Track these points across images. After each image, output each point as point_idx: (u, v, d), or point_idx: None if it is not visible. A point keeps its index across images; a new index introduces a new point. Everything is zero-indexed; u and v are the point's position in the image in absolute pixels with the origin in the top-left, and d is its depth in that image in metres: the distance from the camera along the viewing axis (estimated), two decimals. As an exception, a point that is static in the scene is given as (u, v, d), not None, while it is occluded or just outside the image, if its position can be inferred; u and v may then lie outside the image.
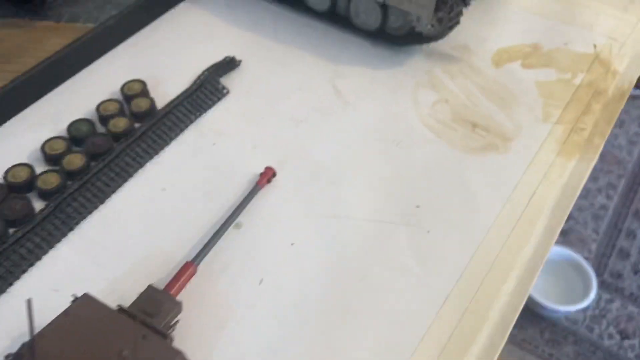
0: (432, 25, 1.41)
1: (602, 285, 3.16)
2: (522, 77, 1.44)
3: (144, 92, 1.37)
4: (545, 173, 1.23)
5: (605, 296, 3.13)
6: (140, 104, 1.33)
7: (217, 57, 1.48)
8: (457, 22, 1.45)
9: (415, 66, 1.47)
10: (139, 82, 1.38)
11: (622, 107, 1.38)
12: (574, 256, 3.03)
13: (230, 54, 1.49)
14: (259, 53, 1.51)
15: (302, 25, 1.60)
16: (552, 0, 1.67)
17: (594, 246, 3.37)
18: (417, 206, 1.18)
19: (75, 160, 1.22)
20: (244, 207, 1.15)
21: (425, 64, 1.48)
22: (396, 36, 1.51)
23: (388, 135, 1.31)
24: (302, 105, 1.38)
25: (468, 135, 1.30)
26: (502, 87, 1.41)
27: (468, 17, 1.57)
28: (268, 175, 1.21)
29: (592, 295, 2.90)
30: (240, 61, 1.48)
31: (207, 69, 1.44)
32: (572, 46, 1.52)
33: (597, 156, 1.28)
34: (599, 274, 3.19)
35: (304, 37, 1.56)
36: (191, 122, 1.34)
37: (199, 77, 1.42)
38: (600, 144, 1.30)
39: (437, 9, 1.37)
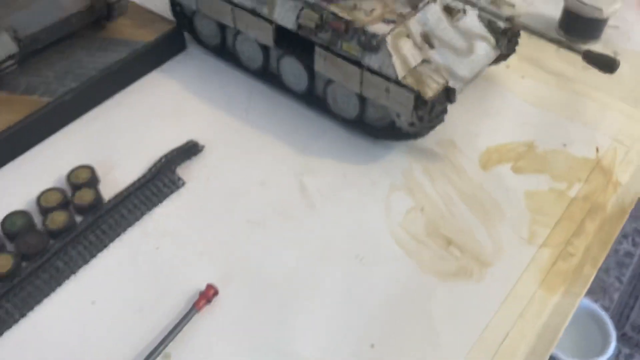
0: (412, 124, 1.28)
1: (622, 338, 2.94)
2: (510, 184, 1.29)
3: (91, 182, 1.25)
4: (523, 310, 1.08)
5: (625, 351, 2.91)
6: (85, 197, 1.22)
7: (180, 139, 1.36)
8: (441, 121, 1.31)
9: (393, 163, 1.34)
10: (87, 169, 1.27)
11: (620, 227, 1.23)
12: (592, 306, 2.81)
13: (195, 135, 1.38)
14: (226, 135, 1.39)
15: (277, 103, 1.48)
16: (554, 89, 1.52)
17: (616, 295, 3.16)
18: (372, 345, 1.04)
19: (3, 262, 1.11)
20: (175, 335, 1.03)
21: (405, 160, 1.34)
22: (375, 127, 1.37)
23: (352, 248, 1.18)
24: (263, 205, 1.25)
25: (441, 254, 1.16)
26: (487, 195, 1.27)
27: (459, 104, 1.43)
28: (208, 295, 1.08)
29: (611, 349, 2.69)
30: (202, 147, 1.36)
31: (166, 155, 1.32)
32: (572, 148, 1.37)
33: (584, 290, 1.12)
34: (619, 326, 2.97)
35: (277, 119, 1.43)
36: (137, 219, 1.22)
37: (154, 165, 1.30)
38: (590, 275, 1.14)
39: (416, 107, 1.23)
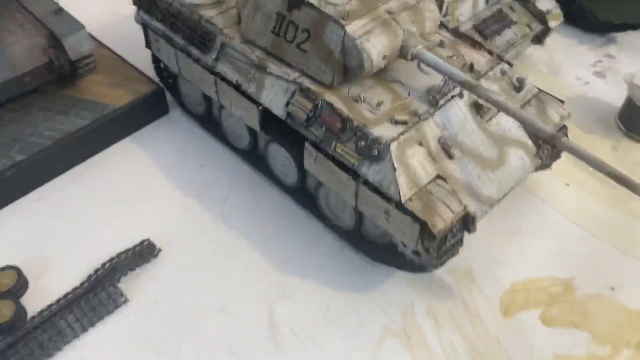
0: (417, 253, 1.00)
1: None
2: (537, 342, 1.00)
3: (15, 290, 1.02)
4: None
5: None
6: (1, 312, 0.99)
7: (136, 235, 1.12)
8: (454, 254, 1.03)
9: (390, 295, 1.06)
10: (13, 272, 1.04)
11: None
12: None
13: (154, 231, 1.13)
14: (191, 235, 1.14)
15: (262, 195, 1.22)
16: (606, 206, 1.22)
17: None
18: None
19: None
20: None
21: (406, 293, 1.07)
22: (374, 245, 1.10)
23: (321, 419, 0.91)
24: (218, 341, 0.99)
25: None
26: (505, 356, 0.98)
27: (482, 222, 1.14)
28: None
29: None
30: (159, 251, 1.11)
31: (112, 259, 1.08)
32: (622, 294, 1.07)
33: None
34: None
35: (258, 216, 1.18)
36: (59, 349, 0.97)
37: (95, 273, 1.06)
38: None
39: (422, 236, 0.96)
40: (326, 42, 1.03)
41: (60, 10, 1.23)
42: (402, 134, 0.98)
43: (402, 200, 0.94)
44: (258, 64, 1.10)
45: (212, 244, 1.13)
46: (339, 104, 1.02)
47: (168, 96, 1.38)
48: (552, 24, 1.45)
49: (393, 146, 0.96)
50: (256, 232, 1.15)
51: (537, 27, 1.44)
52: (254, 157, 1.26)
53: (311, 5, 1.02)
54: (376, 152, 0.96)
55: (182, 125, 1.36)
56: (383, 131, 0.98)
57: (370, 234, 1.10)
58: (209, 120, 1.33)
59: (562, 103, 1.15)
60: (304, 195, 1.19)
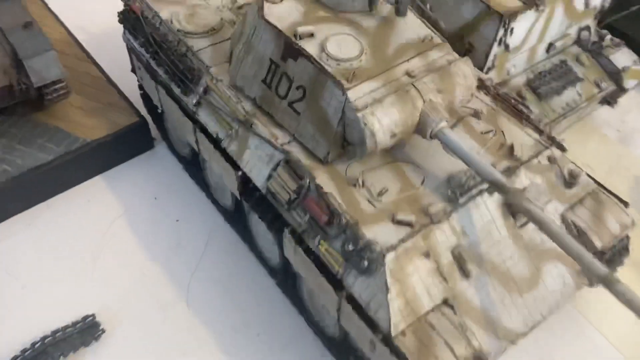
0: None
1: None
2: None
3: None
4: None
5: None
6: None
7: (80, 307, 0.94)
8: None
9: None
10: None
11: None
12: None
13: (103, 303, 0.95)
14: (145, 315, 0.95)
15: (239, 268, 1.02)
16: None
17: None
18: None
19: None
20: None
21: None
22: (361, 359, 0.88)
23: None
24: None
25: None
26: None
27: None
28: None
29: None
30: (102, 332, 0.92)
31: (44, 339, 0.90)
32: None
33: None
34: None
35: (230, 297, 0.97)
36: None
37: (23, 354, 0.88)
38: None
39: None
40: (323, 106, 0.80)
41: (30, 25, 1.04)
42: (403, 240, 0.75)
43: (392, 334, 0.72)
44: (243, 119, 0.88)
45: (167, 329, 0.93)
46: (330, 187, 0.80)
47: (154, 128, 1.19)
48: (629, 84, 1.18)
49: (389, 257, 0.73)
50: (224, 319, 0.95)
51: (608, 87, 1.16)
52: (237, 219, 1.05)
53: (309, 57, 0.80)
54: (366, 263, 0.74)
55: (165, 166, 1.16)
56: (379, 234, 0.75)
57: (359, 348, 0.88)
58: (195, 165, 1.12)
59: (625, 206, 0.88)
60: (288, 278, 0.97)
